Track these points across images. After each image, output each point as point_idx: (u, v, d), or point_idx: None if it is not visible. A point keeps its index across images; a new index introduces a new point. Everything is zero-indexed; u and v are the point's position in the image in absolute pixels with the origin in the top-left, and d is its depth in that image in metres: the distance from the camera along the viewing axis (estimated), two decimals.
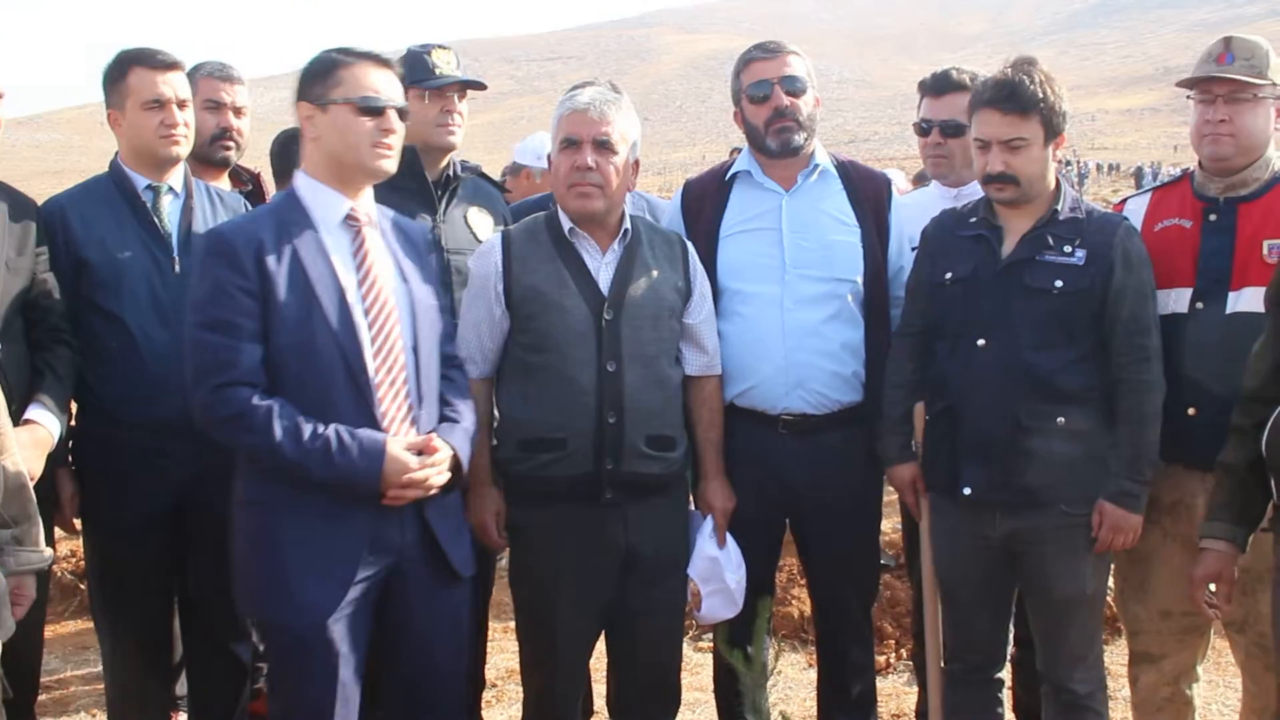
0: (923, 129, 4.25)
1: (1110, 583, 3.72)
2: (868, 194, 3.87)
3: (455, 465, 3.17)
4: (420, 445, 3.08)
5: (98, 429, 3.70)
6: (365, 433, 3.00)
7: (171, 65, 3.78)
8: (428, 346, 3.19)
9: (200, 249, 3.12)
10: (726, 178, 3.88)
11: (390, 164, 3.16)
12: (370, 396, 3.05)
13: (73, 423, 3.72)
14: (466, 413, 3.30)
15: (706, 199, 3.88)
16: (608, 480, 3.43)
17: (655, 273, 3.52)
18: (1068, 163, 53.04)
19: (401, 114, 3.16)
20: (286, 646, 3.05)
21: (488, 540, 3.56)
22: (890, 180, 4.04)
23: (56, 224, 3.68)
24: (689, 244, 3.68)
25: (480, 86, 4.06)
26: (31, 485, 3.03)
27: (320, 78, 3.13)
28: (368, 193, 3.23)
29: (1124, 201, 3.86)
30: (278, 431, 2.92)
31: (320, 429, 2.95)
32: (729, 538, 3.71)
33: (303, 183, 3.17)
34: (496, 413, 3.61)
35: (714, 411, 3.71)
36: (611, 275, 3.48)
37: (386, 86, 3.14)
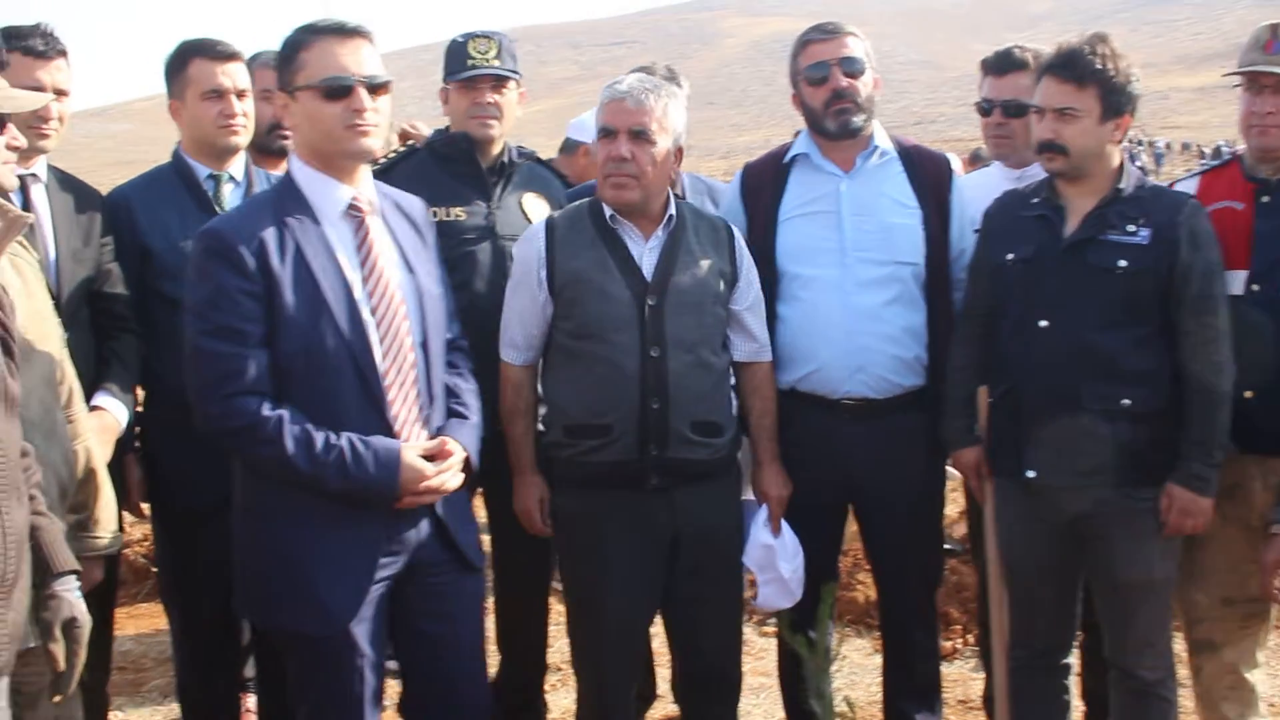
0: (984, 109, 4.18)
1: None
2: (929, 176, 3.82)
3: (466, 463, 3.09)
4: (435, 450, 2.99)
5: (164, 415, 3.74)
6: (379, 441, 2.89)
7: (231, 56, 3.81)
8: (436, 340, 3.09)
9: (197, 248, 2.91)
10: (785, 161, 3.84)
11: (372, 142, 2.96)
12: (381, 400, 2.94)
13: (140, 409, 3.78)
14: (473, 403, 3.22)
15: (765, 182, 3.84)
16: (653, 466, 3.41)
17: (700, 259, 3.49)
18: (1139, 143, 52.02)
19: (376, 87, 2.95)
20: (311, 655, 2.97)
21: (533, 528, 3.56)
22: (951, 162, 3.99)
23: (121, 214, 3.74)
24: (735, 229, 3.65)
25: (507, 78, 4.00)
26: (103, 471, 3.08)
27: (287, 63, 2.94)
28: (365, 175, 3.06)
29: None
30: (289, 444, 2.80)
31: (333, 439, 2.84)
32: (785, 526, 3.68)
33: (298, 169, 3.00)
34: (543, 399, 3.60)
35: (766, 399, 3.67)
36: (655, 262, 3.45)
37: (353, 59, 2.91)
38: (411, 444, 2.96)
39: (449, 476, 3.01)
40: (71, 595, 2.50)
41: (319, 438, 2.83)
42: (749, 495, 3.76)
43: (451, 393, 3.17)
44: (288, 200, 2.96)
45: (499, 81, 3.99)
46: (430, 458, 2.98)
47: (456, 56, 3.96)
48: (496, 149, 4.02)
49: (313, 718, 3.04)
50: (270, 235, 2.87)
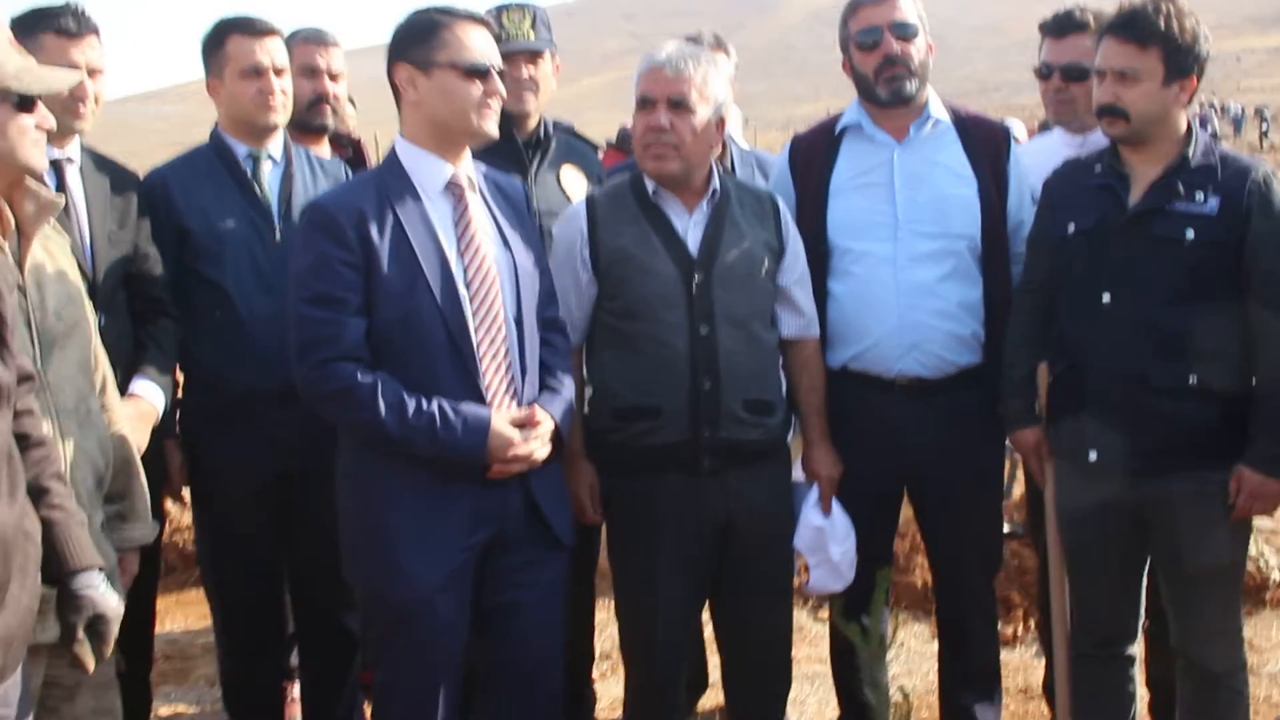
0: (1043, 73, 4.07)
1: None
2: (985, 145, 3.73)
3: (556, 436, 3.17)
4: (523, 419, 3.08)
5: (203, 399, 3.75)
6: (469, 407, 3.00)
7: (269, 32, 3.80)
8: (530, 315, 3.18)
9: (302, 222, 3.15)
10: (836, 132, 3.78)
11: (495, 126, 3.15)
12: (474, 369, 3.05)
13: (179, 394, 3.79)
14: (567, 381, 3.28)
15: (815, 154, 3.78)
16: (705, 448, 3.37)
17: (745, 232, 3.44)
18: (1214, 106, 50.88)
19: (502, 75, 3.15)
20: (392, 618, 3.10)
21: (584, 516, 3.51)
22: (1009, 130, 3.90)
23: (159, 195, 3.73)
24: (779, 200, 3.60)
25: (542, 51, 3.96)
26: (138, 458, 3.08)
27: (421, 39, 3.11)
28: (467, 155, 3.22)
29: None
30: (382, 407, 2.93)
31: (425, 404, 2.96)
32: (836, 506, 3.63)
33: (403, 148, 3.17)
34: (588, 382, 3.56)
35: (814, 375, 3.62)
36: (700, 236, 3.41)
37: (487, 46, 3.13)
38: (501, 412, 3.06)
39: (537, 445, 3.09)
40: (94, 592, 2.46)
41: (411, 403, 2.96)
42: (798, 476, 3.70)
43: (545, 368, 3.25)
44: (390, 178, 3.13)
45: (534, 54, 3.94)
46: (520, 427, 3.07)
47: None
48: (533, 123, 3.98)
49: (386, 682, 3.17)
50: (371, 209, 3.04)
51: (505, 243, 3.19)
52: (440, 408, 2.97)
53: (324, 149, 4.36)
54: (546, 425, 3.13)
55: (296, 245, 3.14)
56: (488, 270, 3.12)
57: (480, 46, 3.11)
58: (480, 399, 3.05)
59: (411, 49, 3.12)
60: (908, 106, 3.68)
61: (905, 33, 3.64)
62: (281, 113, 3.81)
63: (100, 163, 3.67)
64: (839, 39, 3.79)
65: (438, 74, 3.08)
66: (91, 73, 3.50)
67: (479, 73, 3.08)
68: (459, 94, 3.07)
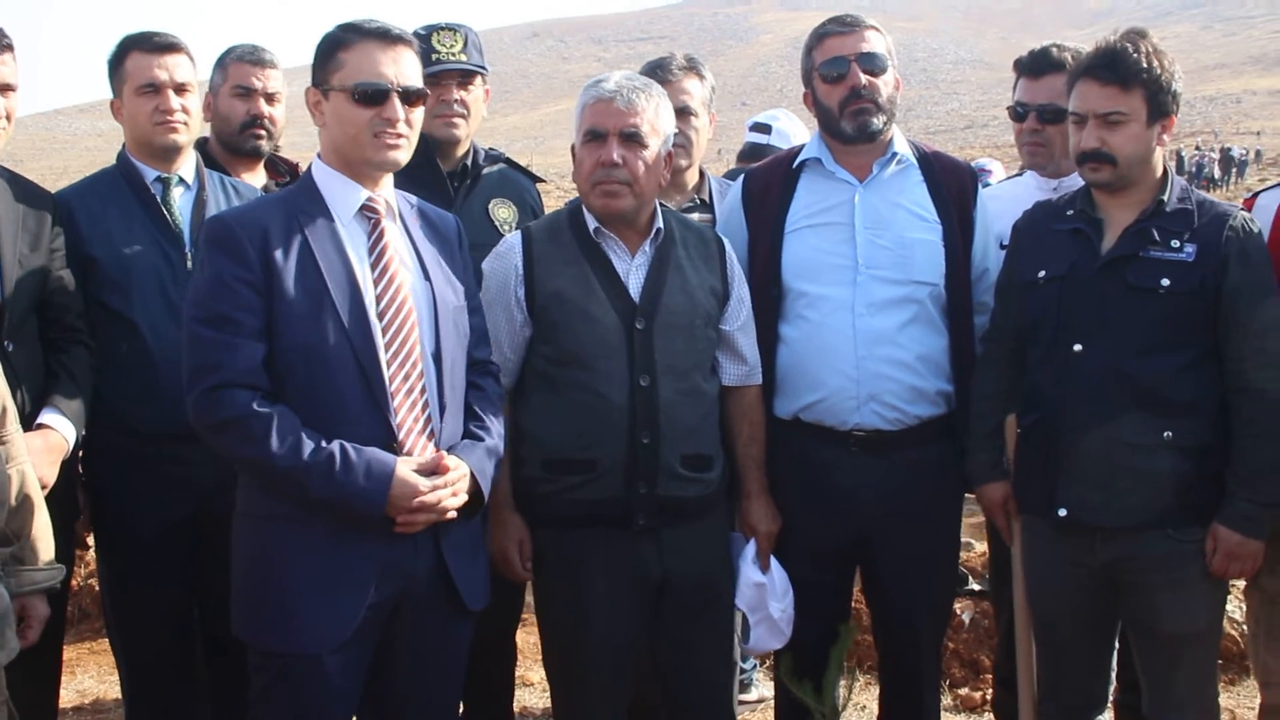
0: (1018, 113, 4.11)
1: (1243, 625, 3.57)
2: (951, 187, 3.74)
3: (475, 487, 3.09)
4: (431, 465, 2.98)
5: (108, 437, 3.72)
6: (373, 452, 2.91)
7: (168, 48, 3.80)
8: (451, 352, 3.11)
9: (202, 237, 3.04)
10: (794, 166, 3.77)
11: (399, 154, 3.07)
12: (385, 404, 2.97)
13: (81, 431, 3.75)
14: (494, 428, 3.22)
15: (771, 190, 3.78)
16: (641, 505, 3.36)
17: (690, 276, 3.44)
18: (1211, 148, 51.45)
19: (414, 97, 3.06)
20: (275, 674, 2.98)
21: (510, 573, 3.49)
22: (976, 172, 3.92)
23: (62, 219, 3.71)
24: (725, 242, 3.61)
25: (474, 74, 4.00)
26: (42, 495, 3.05)
27: (324, 60, 3.07)
28: (387, 180, 3.15)
29: (1254, 196, 3.71)
30: (274, 441, 2.83)
31: (324, 444, 2.87)
32: (774, 563, 3.62)
33: (318, 169, 3.11)
34: (518, 429, 3.52)
35: (755, 425, 3.62)
36: (642, 280, 3.41)
37: (392, 67, 3.03)
38: (408, 457, 2.97)
39: (446, 494, 2.99)
40: None
41: (308, 441, 2.87)
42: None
43: (471, 414, 3.18)
44: (302, 197, 3.07)
45: (465, 77, 3.97)
46: (427, 474, 2.98)
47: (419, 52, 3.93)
48: (461, 150, 4.00)
49: None
50: (276, 226, 2.97)
51: (426, 274, 3.13)
52: (341, 448, 2.88)
53: (258, 174, 4.36)
54: (458, 473, 3.03)
55: (196, 264, 3.06)
56: (403, 300, 3.05)
57: (377, 68, 3.01)
58: (391, 436, 2.97)
59: (316, 70, 3.09)
60: (873, 143, 3.68)
61: (873, 65, 3.65)
62: (183, 132, 3.80)
63: (12, 181, 3.66)
64: (802, 70, 3.79)
65: (333, 98, 3.04)
66: (3, 89, 3.51)
67: (370, 98, 2.99)
68: (351, 120, 3.01)
